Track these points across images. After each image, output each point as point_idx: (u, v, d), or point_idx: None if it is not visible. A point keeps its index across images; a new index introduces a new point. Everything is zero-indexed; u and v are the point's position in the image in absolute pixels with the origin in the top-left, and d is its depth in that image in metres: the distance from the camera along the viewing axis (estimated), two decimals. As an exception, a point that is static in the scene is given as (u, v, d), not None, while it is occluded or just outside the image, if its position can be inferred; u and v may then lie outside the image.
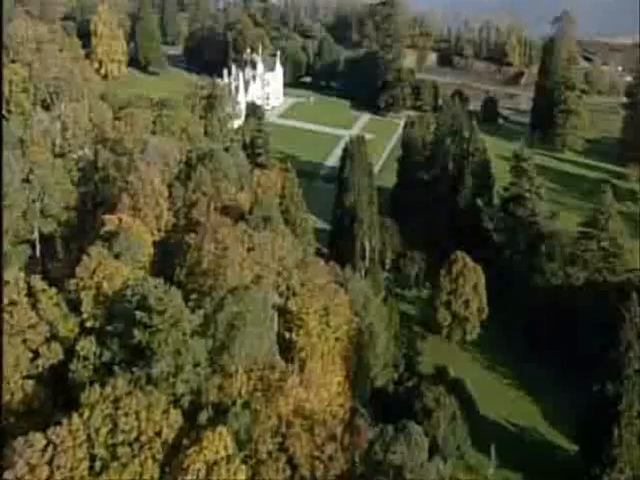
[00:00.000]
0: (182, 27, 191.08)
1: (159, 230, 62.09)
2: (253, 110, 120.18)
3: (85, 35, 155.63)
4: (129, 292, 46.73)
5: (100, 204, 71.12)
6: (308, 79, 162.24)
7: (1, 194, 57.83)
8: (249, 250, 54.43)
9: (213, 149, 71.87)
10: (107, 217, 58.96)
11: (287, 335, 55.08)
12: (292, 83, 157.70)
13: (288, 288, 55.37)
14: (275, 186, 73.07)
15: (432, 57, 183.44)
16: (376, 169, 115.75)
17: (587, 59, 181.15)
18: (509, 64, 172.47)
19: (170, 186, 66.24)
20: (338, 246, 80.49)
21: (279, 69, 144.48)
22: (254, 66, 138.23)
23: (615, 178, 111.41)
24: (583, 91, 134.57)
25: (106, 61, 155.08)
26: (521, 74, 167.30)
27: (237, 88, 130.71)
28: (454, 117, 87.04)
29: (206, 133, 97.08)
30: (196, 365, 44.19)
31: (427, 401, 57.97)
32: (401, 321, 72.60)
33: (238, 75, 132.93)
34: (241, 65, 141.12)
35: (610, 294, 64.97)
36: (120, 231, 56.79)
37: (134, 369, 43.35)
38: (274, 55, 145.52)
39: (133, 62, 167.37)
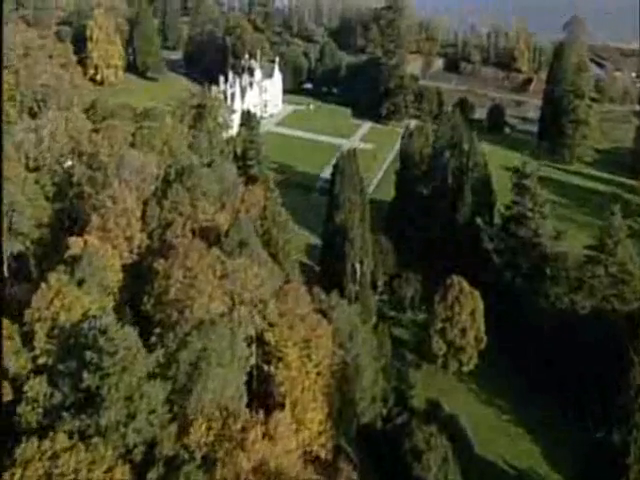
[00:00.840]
0: (184, 31, 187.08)
1: (130, 252, 57.74)
2: (248, 119, 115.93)
3: (81, 40, 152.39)
4: (85, 326, 42.42)
5: (75, 222, 67.22)
6: (310, 85, 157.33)
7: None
8: (221, 278, 50.07)
9: (193, 164, 67.50)
10: (72, 239, 54.77)
11: (265, 368, 50.89)
12: (293, 90, 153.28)
13: (265, 318, 50.91)
14: (259, 204, 68.62)
15: (438, 63, 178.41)
16: (375, 181, 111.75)
17: (599, 65, 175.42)
18: (518, 70, 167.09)
19: (145, 204, 62.08)
20: (329, 265, 76.09)
21: (278, 75, 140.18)
22: (251, 73, 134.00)
23: (627, 192, 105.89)
24: (594, 99, 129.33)
25: (102, 66, 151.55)
26: (530, 81, 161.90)
27: (233, 95, 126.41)
28: (453, 128, 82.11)
29: (192, 145, 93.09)
30: (151, 412, 39.76)
31: (417, 441, 53.32)
32: (394, 347, 67.93)
33: (235, 82, 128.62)
34: (238, 71, 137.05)
35: (619, 323, 60.17)
36: (85, 255, 52.57)
37: (82, 416, 39.08)
38: (273, 61, 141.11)
39: (132, 68, 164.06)
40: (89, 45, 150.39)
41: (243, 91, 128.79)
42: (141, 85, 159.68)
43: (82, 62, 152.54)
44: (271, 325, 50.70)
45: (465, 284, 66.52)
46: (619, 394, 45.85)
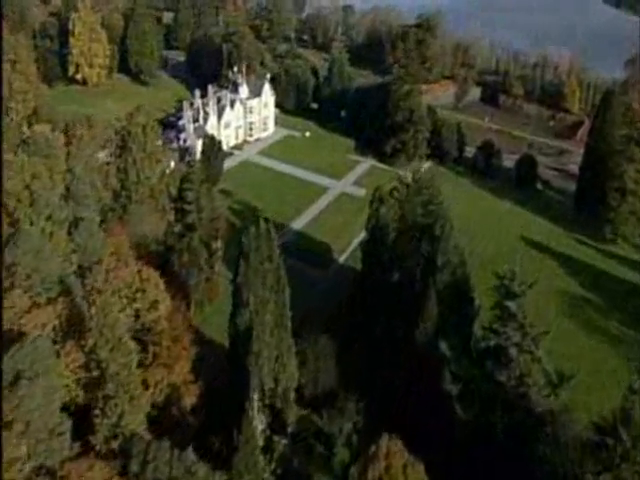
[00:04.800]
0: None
1: None
2: (210, 146, 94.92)
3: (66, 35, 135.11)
4: None
5: None
6: (316, 106, 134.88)
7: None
8: None
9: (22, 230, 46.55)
10: None
11: None
12: (295, 111, 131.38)
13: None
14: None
15: (475, 92, 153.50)
16: (355, 241, 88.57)
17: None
18: (566, 111, 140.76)
19: None
20: (234, 379, 53.97)
21: (268, 94, 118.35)
22: (236, 89, 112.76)
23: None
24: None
25: (83, 65, 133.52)
26: (579, 125, 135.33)
27: (207, 114, 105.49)
28: (430, 199, 58.36)
29: (108, 185, 72.65)
30: None
31: None
32: None
33: (213, 98, 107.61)
34: (225, 85, 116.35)
35: None
36: None
37: None
38: (263, 77, 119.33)
39: (127, 69, 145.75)
40: (70, 41, 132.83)
41: (220, 110, 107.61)
42: (128, 89, 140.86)
43: (64, 59, 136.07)
44: None
45: (404, 451, 43.12)
46: None
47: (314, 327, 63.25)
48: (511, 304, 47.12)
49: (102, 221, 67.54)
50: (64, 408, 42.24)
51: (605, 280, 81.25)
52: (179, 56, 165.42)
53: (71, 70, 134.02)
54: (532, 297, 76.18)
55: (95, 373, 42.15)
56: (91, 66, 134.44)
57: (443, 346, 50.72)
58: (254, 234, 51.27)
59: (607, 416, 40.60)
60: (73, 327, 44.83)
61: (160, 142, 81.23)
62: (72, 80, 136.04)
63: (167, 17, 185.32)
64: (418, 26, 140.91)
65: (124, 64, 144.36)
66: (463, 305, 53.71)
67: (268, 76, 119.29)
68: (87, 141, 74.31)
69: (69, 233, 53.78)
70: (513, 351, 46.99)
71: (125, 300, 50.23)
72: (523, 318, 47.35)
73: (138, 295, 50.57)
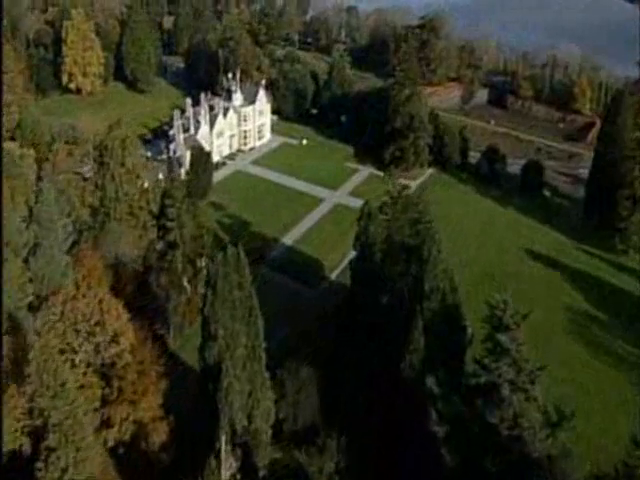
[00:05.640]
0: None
1: None
2: (199, 157, 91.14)
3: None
4: None
5: None
6: (316, 111, 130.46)
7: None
8: None
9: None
10: None
11: None
12: (294, 117, 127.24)
13: None
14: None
15: (482, 94, 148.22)
16: (349, 257, 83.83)
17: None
18: (577, 112, 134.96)
19: None
20: (205, 418, 49.88)
21: (264, 101, 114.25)
22: (229, 96, 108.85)
23: None
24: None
25: (77, 74, 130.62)
26: (590, 126, 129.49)
27: (198, 123, 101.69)
28: (418, 219, 53.73)
29: (84, 201, 69.04)
30: None
31: None
32: None
33: (204, 106, 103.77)
34: (219, 93, 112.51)
35: None
36: None
37: None
38: (258, 84, 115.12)
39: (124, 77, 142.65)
40: (64, 49, 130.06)
41: (212, 119, 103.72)
42: (124, 97, 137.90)
43: (57, 67, 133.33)
44: None
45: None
46: None
47: (297, 354, 59.13)
48: (503, 338, 42.33)
49: (75, 242, 64.19)
50: (12, 457, 38.78)
51: (613, 295, 75.89)
52: (179, 62, 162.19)
53: (64, 79, 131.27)
54: (535, 314, 71.82)
55: (38, 422, 38.30)
56: (85, 75, 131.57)
57: (430, 381, 46.05)
58: (222, 261, 47.14)
59: (609, 471, 36.02)
60: (19, 368, 41.05)
61: (143, 155, 77.38)
62: (66, 89, 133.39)
63: (169, 22, 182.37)
64: (421, 27, 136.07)
65: (121, 72, 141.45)
66: (454, 335, 49.04)
67: (263, 82, 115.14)
68: (63, 157, 70.81)
69: (26, 260, 50.06)
70: (506, 389, 42.17)
71: (84, 334, 46.39)
72: (517, 352, 42.52)
73: (97, 329, 46.64)
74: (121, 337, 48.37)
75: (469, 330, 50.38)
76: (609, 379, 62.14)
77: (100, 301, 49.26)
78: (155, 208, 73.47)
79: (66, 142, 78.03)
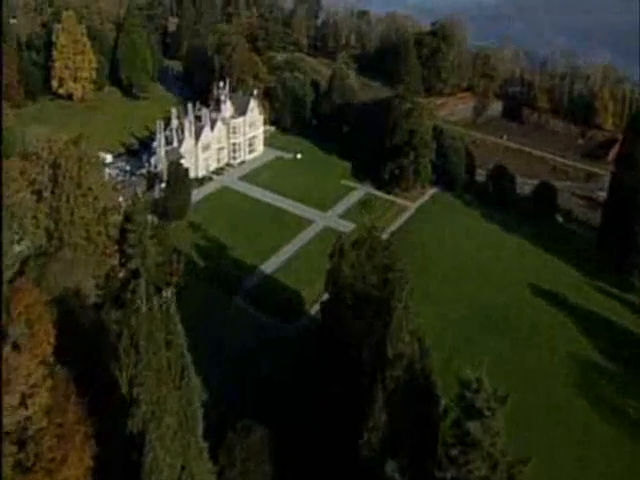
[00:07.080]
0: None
1: None
2: (175, 173, 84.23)
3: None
4: None
5: None
6: (316, 124, 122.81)
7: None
8: None
9: None
10: None
11: None
12: (292, 128, 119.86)
13: None
14: None
15: (497, 106, 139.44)
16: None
17: None
18: (598, 127, 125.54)
19: None
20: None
21: (256, 112, 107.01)
22: (218, 106, 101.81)
23: None
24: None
25: (67, 79, 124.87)
26: (612, 143, 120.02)
27: (181, 134, 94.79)
28: (389, 264, 45.72)
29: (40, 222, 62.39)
30: None
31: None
32: None
33: (190, 117, 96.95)
34: (208, 103, 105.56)
35: None
36: None
37: None
38: (250, 94, 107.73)
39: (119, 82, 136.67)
40: (54, 53, 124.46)
41: (198, 131, 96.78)
42: (117, 104, 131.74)
43: (48, 72, 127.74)
44: None
45: None
46: None
47: (253, 411, 51.64)
48: (474, 426, 34.31)
49: (21, 273, 57.55)
50: None
51: (628, 343, 67.01)
52: (180, 66, 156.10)
53: (54, 84, 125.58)
54: (538, 363, 63.32)
55: None
56: (76, 80, 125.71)
57: (390, 468, 38.26)
58: (146, 316, 39.87)
59: None
60: None
61: (121, 170, 70.50)
62: (58, 95, 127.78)
63: (174, 24, 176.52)
64: (432, 34, 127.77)
65: (117, 77, 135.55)
66: (422, 410, 40.99)
67: (255, 92, 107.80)
68: (14, 176, 64.18)
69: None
70: (474, 468, 34.27)
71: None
72: (491, 446, 34.51)
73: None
74: (30, 400, 41.45)
75: (442, 402, 42.28)
76: (618, 446, 53.51)
77: (5, 360, 42.26)
78: (114, 233, 66.60)
79: (24, 157, 71.52)
